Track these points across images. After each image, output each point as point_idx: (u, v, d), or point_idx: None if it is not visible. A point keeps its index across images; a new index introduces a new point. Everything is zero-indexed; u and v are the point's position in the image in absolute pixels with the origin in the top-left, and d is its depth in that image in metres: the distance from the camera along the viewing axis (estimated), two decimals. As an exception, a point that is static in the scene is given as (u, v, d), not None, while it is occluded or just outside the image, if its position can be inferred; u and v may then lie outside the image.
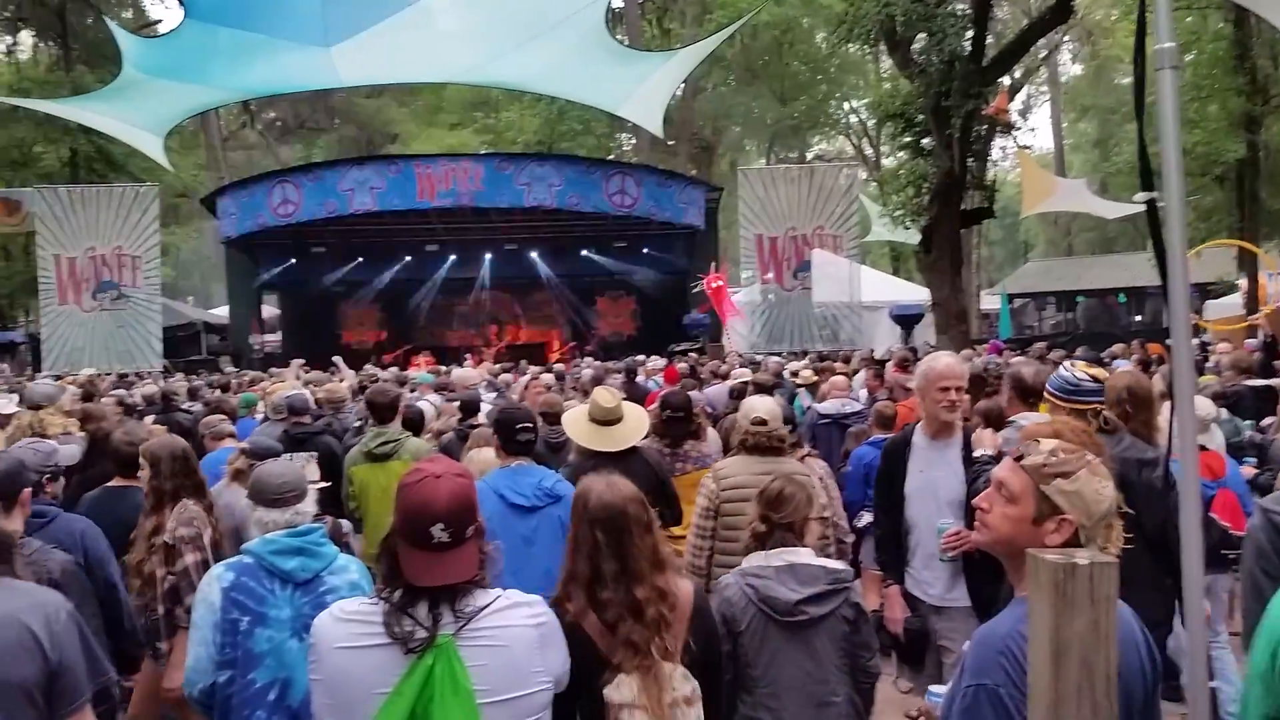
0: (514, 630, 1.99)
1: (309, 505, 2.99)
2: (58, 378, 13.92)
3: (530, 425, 4.15)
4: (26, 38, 32.23)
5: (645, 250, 24.96)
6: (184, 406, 9.01)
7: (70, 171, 27.44)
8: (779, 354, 16.68)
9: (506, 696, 1.95)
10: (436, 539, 1.92)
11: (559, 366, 15.00)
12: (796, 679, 2.93)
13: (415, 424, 6.04)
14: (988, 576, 3.27)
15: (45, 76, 28.59)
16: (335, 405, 7.72)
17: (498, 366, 14.66)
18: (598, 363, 15.03)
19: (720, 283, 8.89)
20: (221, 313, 28.32)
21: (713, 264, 19.79)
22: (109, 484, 4.40)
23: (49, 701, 2.28)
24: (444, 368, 15.57)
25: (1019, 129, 19.46)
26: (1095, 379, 3.96)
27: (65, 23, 28.99)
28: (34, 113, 23.31)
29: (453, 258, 25.63)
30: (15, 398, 6.86)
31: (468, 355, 22.29)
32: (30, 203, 22.31)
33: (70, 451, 4.00)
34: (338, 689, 1.96)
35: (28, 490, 3.16)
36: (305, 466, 3.95)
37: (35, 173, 27.30)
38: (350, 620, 1.99)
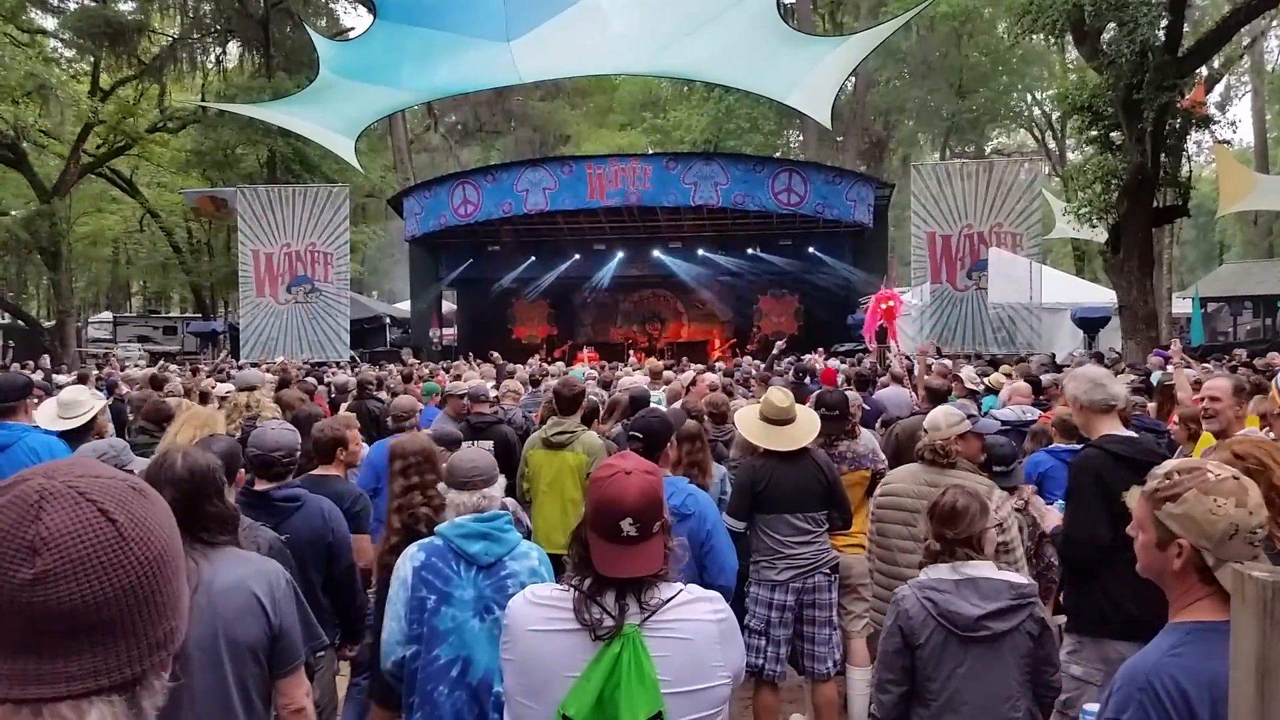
0: (697, 624, 2.04)
1: (497, 490, 3.14)
2: (254, 365, 14.98)
3: (639, 437, 4.00)
4: (233, 48, 34.78)
5: (811, 248, 24.68)
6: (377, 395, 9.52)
7: (268, 172, 29.42)
8: (949, 357, 16.17)
9: (689, 688, 1.99)
10: (625, 533, 1.99)
11: (721, 365, 15.03)
12: (977, 695, 2.87)
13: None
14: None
15: (248, 83, 30.73)
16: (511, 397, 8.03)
17: (660, 364, 14.82)
18: (758, 362, 14.98)
19: (891, 303, 8.51)
20: (404, 307, 29.75)
21: (884, 282, 19.13)
22: (311, 472, 4.62)
23: (270, 662, 2.49)
24: (606, 364, 15.89)
25: (1217, 122, 18.15)
26: None
27: (268, 32, 31.10)
28: (238, 117, 25.13)
29: (619, 255, 26.09)
30: (230, 384, 7.40)
31: (631, 352, 22.65)
32: (233, 200, 24.05)
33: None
34: (529, 670, 2.06)
35: (241, 471, 3.46)
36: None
37: (237, 173, 29.43)
38: (542, 605, 2.08)
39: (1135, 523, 1.99)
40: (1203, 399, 4.45)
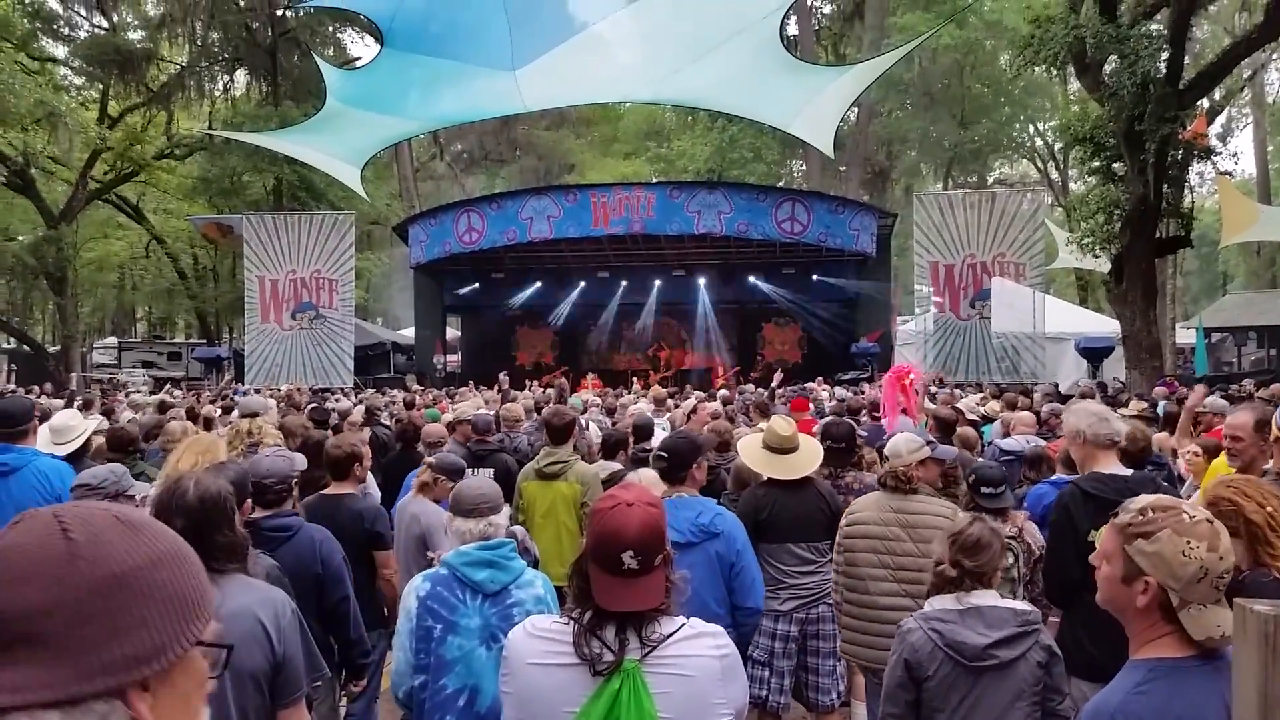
0: (698, 660, 2.01)
1: (502, 518, 3.15)
2: (257, 391, 14.97)
3: (664, 457, 4.11)
4: (241, 77, 35.10)
5: (814, 277, 24.72)
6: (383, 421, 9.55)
7: (275, 199, 29.58)
8: (952, 386, 16.17)
9: (689, 725, 1.97)
10: (626, 565, 1.97)
11: (724, 393, 15.01)
12: None
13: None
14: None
15: (255, 111, 30.97)
16: (510, 425, 8.03)
17: (664, 392, 14.82)
18: (761, 390, 14.97)
19: (911, 378, 8.52)
20: (408, 334, 29.80)
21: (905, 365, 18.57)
22: (324, 491, 4.67)
23: (271, 692, 2.48)
24: (610, 390, 15.88)
25: (1219, 154, 18.21)
26: None
27: (275, 61, 31.37)
28: (244, 144, 25.31)
29: (623, 283, 26.14)
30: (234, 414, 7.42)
31: (634, 379, 22.64)
32: (239, 227, 24.15)
33: (302, 460, 4.31)
34: (527, 703, 2.04)
35: (249, 501, 3.46)
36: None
37: (244, 200, 29.59)
38: (542, 637, 2.06)
39: (1101, 553, 1.99)
40: (1225, 437, 4.43)
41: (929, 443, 4.90)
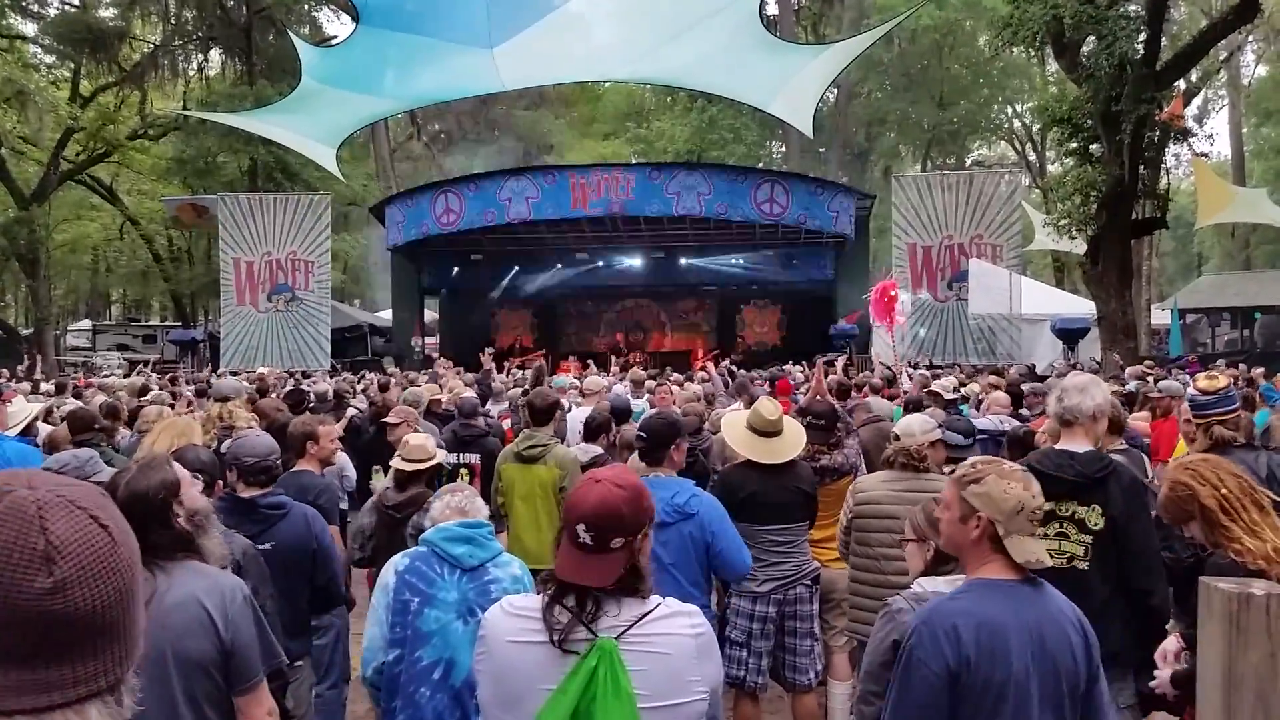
0: (675, 639, 2.01)
1: (481, 505, 3.21)
2: (234, 374, 14.86)
3: (643, 437, 4.19)
4: (215, 55, 34.65)
5: (793, 259, 24.73)
6: (354, 404, 9.48)
7: (250, 179, 29.28)
8: (929, 366, 16.23)
9: (665, 703, 1.97)
10: (581, 539, 1.99)
11: (702, 374, 15.00)
12: None
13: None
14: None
15: (230, 90, 30.59)
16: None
17: (643, 374, 14.78)
18: (742, 371, 14.96)
19: (894, 293, 8.86)
20: (386, 316, 29.62)
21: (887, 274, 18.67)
22: (292, 469, 4.77)
23: (226, 679, 2.44)
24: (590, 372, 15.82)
25: (1195, 135, 18.32)
26: (1205, 391, 4.22)
27: (250, 40, 30.97)
28: (219, 124, 25.00)
29: (603, 265, 26.06)
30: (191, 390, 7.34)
31: (614, 360, 22.61)
32: (214, 207, 23.91)
33: None
34: (503, 680, 2.04)
35: (220, 483, 3.45)
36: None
37: (218, 180, 29.26)
38: (519, 615, 2.06)
39: (943, 503, 2.44)
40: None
41: (939, 425, 4.95)
